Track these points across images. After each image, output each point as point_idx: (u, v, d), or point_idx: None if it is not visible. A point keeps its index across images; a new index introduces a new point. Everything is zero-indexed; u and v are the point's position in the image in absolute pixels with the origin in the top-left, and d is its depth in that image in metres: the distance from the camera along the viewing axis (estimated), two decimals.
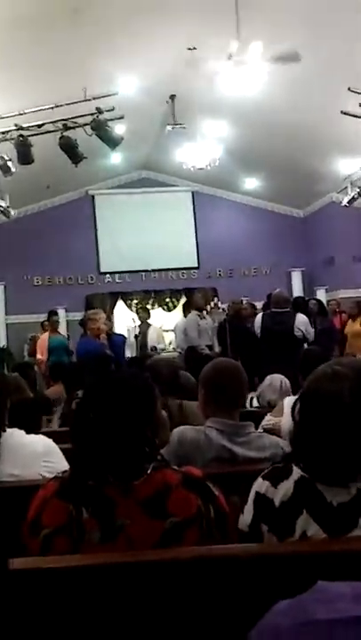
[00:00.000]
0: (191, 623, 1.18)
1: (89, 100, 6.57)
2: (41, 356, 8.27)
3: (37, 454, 2.32)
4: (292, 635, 0.61)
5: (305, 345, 5.68)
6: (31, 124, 6.74)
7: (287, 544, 1.21)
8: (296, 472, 1.21)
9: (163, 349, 8.91)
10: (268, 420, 3.01)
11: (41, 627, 1.17)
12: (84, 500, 1.34)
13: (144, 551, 1.29)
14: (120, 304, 12.37)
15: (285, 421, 2.86)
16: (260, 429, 2.84)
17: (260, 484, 1.25)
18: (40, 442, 2.40)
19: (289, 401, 3.04)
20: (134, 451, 1.38)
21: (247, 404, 3.92)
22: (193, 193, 12.70)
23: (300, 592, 0.72)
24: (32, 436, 2.43)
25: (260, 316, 6.22)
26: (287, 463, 1.24)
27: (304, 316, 5.99)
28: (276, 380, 3.95)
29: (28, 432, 2.47)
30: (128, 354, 8.25)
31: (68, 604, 1.19)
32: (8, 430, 2.28)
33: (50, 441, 2.44)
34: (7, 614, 0.95)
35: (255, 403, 4.26)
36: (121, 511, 1.33)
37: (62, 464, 2.33)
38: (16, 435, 2.30)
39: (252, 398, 4.27)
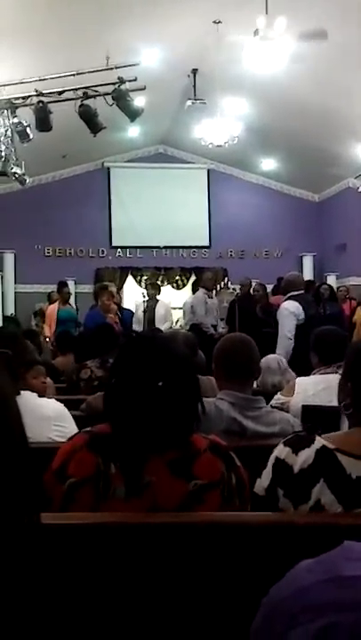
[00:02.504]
0: (203, 587, 1.19)
1: (111, 68, 6.49)
2: (49, 328, 8.26)
3: (48, 418, 2.34)
4: (318, 591, 0.61)
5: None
6: (52, 91, 6.67)
7: (300, 515, 1.22)
8: (318, 441, 1.21)
9: (169, 327, 8.91)
10: (278, 398, 3.02)
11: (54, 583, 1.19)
12: (113, 454, 1.36)
13: (159, 513, 1.31)
14: (130, 279, 12.36)
15: (296, 401, 2.86)
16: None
17: (281, 450, 1.26)
18: (51, 406, 2.43)
19: (300, 381, 3.04)
20: (181, 426, 1.40)
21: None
22: (208, 171, 12.59)
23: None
24: (44, 399, 2.46)
25: (294, 303, 5.38)
26: (310, 432, 1.25)
27: None
28: (273, 361, 3.93)
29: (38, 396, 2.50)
30: (135, 329, 8.25)
31: (79, 561, 1.20)
32: (21, 393, 2.30)
33: (61, 405, 2.47)
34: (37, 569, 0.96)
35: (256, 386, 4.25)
36: (148, 468, 1.34)
37: (73, 428, 2.36)
38: (28, 398, 2.32)
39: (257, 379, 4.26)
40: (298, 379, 3.13)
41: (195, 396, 1.43)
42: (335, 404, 2.71)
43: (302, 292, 5.74)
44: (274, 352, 4.06)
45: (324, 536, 1.12)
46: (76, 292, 10.92)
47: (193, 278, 12.26)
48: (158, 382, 1.37)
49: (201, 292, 8.44)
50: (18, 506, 0.64)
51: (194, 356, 3.22)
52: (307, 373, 3.25)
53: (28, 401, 2.33)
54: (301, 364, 3.77)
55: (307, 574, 0.63)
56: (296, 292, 5.56)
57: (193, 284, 11.91)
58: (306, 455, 1.20)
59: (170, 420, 1.37)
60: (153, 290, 9.19)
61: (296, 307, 5.32)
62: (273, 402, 3.03)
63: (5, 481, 0.63)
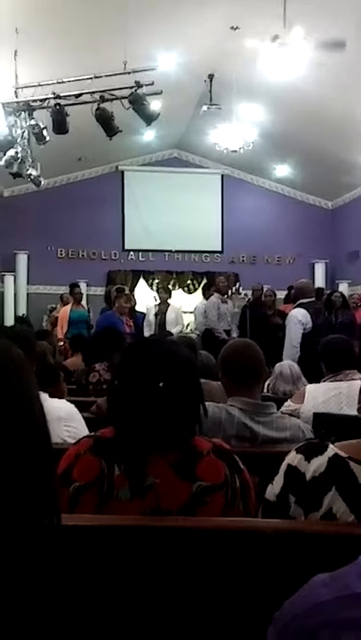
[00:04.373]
0: (212, 593, 1.19)
1: (128, 73, 6.52)
2: (61, 330, 8.27)
3: (59, 418, 2.36)
4: (333, 608, 0.61)
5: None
6: (69, 94, 6.72)
7: (311, 523, 1.22)
8: (331, 449, 1.21)
9: (180, 331, 8.92)
10: (288, 405, 3.02)
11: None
12: (116, 456, 1.37)
13: (168, 517, 1.31)
14: (141, 282, 12.39)
15: (306, 408, 2.85)
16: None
17: (293, 457, 1.26)
18: (62, 406, 2.44)
19: (310, 388, 3.03)
20: (184, 427, 1.41)
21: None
22: (223, 176, 12.61)
23: (322, 571, 0.71)
24: (55, 400, 2.48)
25: (302, 310, 5.38)
26: (323, 440, 1.24)
27: None
28: (286, 367, 3.94)
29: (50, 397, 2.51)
30: (146, 332, 8.26)
31: (84, 563, 1.20)
32: None
33: (72, 406, 2.49)
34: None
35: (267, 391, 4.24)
36: (152, 470, 1.35)
37: (83, 429, 2.37)
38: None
39: (268, 385, 4.26)
40: (308, 386, 3.12)
41: (196, 397, 1.45)
42: (345, 411, 2.72)
43: (312, 299, 5.75)
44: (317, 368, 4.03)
45: (336, 545, 1.12)
46: (87, 294, 10.98)
47: (205, 282, 12.26)
48: (159, 383, 1.38)
49: (215, 296, 8.42)
50: (39, 506, 0.65)
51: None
52: (317, 380, 3.25)
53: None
54: (311, 371, 3.77)
55: (322, 590, 0.63)
56: (306, 300, 5.56)
57: (203, 287, 11.90)
58: (318, 463, 1.20)
59: (171, 421, 1.38)
60: (164, 293, 9.21)
61: (304, 314, 5.30)
62: (283, 409, 3.02)
63: (28, 481, 0.63)
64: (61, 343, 7.75)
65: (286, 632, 0.63)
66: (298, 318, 5.30)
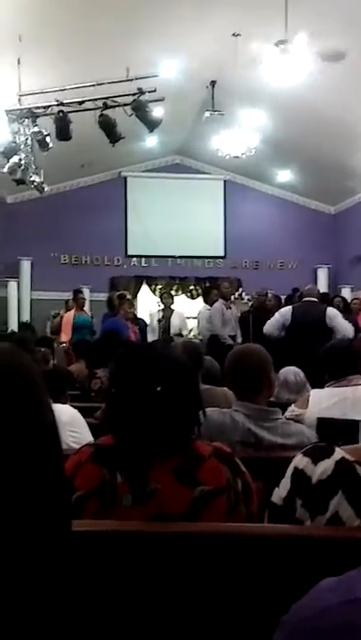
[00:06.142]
0: (219, 598, 1.19)
1: (131, 80, 6.56)
2: (66, 336, 8.24)
3: (63, 424, 2.35)
4: (340, 613, 0.60)
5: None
6: (72, 101, 6.75)
7: (319, 528, 1.22)
8: (338, 453, 1.21)
9: (187, 335, 8.93)
10: (292, 410, 3.00)
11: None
12: (118, 464, 1.37)
13: (175, 523, 1.31)
14: (144, 288, 12.40)
15: (310, 413, 2.84)
16: None
17: (300, 460, 1.25)
18: (66, 412, 2.44)
19: (315, 393, 3.02)
20: (183, 430, 1.40)
21: None
22: (225, 182, 12.63)
23: (329, 575, 0.71)
24: (58, 405, 2.47)
25: (289, 307, 5.98)
26: (330, 444, 1.24)
27: (334, 309, 5.97)
28: (290, 375, 3.85)
29: (54, 402, 2.51)
30: (150, 338, 8.27)
31: (88, 568, 1.20)
32: None
33: (75, 412, 2.49)
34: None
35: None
36: (154, 476, 1.35)
37: (87, 435, 2.37)
38: None
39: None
40: (312, 391, 3.11)
41: (194, 400, 1.44)
42: (349, 416, 2.71)
43: (312, 299, 5.86)
44: (289, 363, 4.01)
45: (343, 549, 1.11)
46: (90, 300, 10.98)
47: None
48: (157, 387, 1.38)
49: (219, 302, 8.41)
50: (50, 512, 0.64)
51: (199, 364, 3.18)
52: (311, 374, 3.26)
53: None
54: (306, 367, 3.81)
55: (329, 594, 0.62)
56: (307, 299, 5.88)
57: (204, 292, 11.89)
58: (325, 466, 1.20)
59: (171, 425, 1.38)
60: (168, 299, 9.22)
61: (287, 310, 5.91)
62: (287, 414, 3.01)
63: (40, 487, 0.63)
64: (63, 344, 7.73)
65: (293, 636, 0.63)
66: (281, 311, 6.02)
